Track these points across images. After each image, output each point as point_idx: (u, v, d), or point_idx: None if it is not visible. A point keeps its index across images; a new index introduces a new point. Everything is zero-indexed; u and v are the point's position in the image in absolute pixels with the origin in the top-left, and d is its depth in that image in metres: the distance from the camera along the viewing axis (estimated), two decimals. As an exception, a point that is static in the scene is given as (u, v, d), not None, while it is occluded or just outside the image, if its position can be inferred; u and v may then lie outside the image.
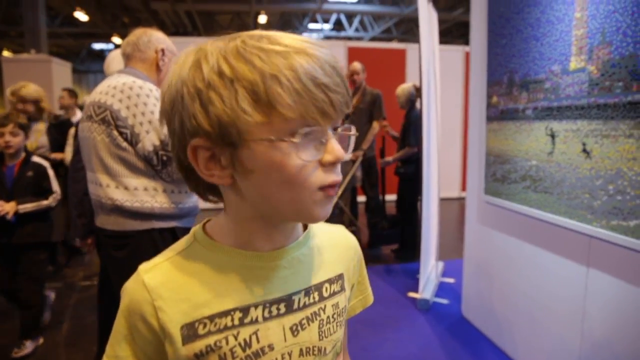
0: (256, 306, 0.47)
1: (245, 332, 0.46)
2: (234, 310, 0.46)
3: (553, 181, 1.84)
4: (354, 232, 4.14)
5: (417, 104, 3.60)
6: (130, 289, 0.47)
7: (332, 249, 0.57)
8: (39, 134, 3.10)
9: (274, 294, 0.48)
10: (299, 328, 0.49)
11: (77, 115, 4.06)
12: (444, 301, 2.91)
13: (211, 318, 0.46)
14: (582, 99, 1.67)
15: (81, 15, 9.97)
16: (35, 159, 2.30)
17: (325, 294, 0.53)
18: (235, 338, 0.46)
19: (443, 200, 4.08)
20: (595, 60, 1.60)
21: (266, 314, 0.47)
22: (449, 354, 2.30)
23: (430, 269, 3.18)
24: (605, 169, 1.57)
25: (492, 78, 2.27)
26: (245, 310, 0.47)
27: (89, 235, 1.83)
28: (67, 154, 3.16)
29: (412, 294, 3.01)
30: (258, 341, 0.47)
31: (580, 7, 1.66)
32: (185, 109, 0.42)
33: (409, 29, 11.68)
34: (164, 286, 0.46)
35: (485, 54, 2.30)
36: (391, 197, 4.25)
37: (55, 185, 2.31)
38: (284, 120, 0.40)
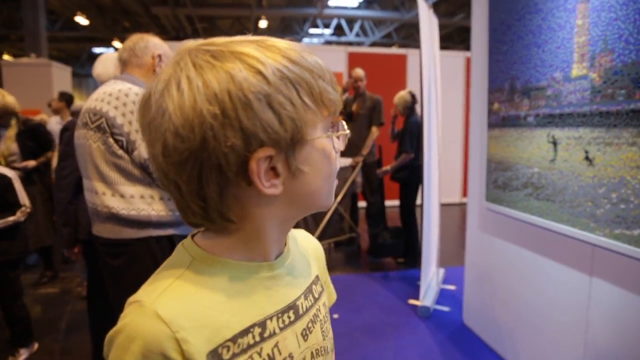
0: (271, 318, 0.47)
1: (267, 347, 0.46)
2: (253, 326, 0.45)
3: (555, 189, 1.83)
4: (353, 239, 4.10)
5: (417, 110, 3.59)
6: (141, 328, 0.39)
7: (306, 250, 0.59)
8: (9, 141, 2.96)
9: (282, 302, 0.48)
10: (308, 332, 0.50)
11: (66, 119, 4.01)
12: (445, 308, 2.88)
13: (233, 340, 0.43)
14: (585, 106, 1.65)
15: (82, 20, 9.99)
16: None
17: (316, 295, 0.55)
18: (260, 355, 0.45)
19: (444, 206, 4.07)
20: (597, 67, 1.59)
21: (281, 324, 0.47)
22: (450, 362, 2.27)
23: (431, 275, 3.16)
24: (608, 177, 1.55)
25: (493, 85, 2.26)
26: (262, 324, 0.46)
27: (75, 244, 1.80)
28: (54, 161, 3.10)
29: (412, 301, 2.98)
30: (280, 353, 0.46)
31: (581, 15, 1.65)
32: (253, 119, 0.39)
33: (409, 34, 11.71)
34: (183, 315, 0.41)
35: (487, 60, 2.30)
36: (390, 203, 4.24)
37: (23, 198, 2.13)
38: (328, 114, 0.45)
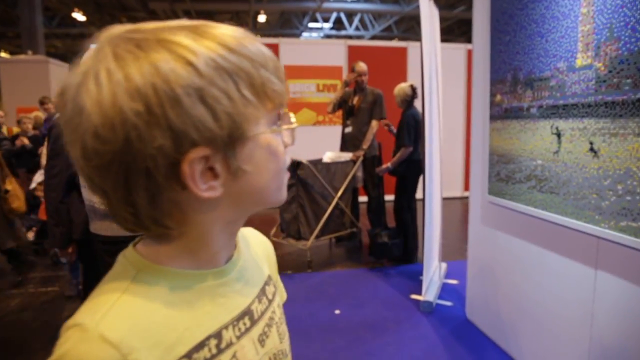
0: (227, 327, 0.44)
1: (225, 359, 0.43)
2: (208, 338, 0.42)
3: (559, 181, 1.80)
4: (355, 234, 4.07)
5: (416, 104, 3.55)
6: (85, 356, 0.34)
7: (256, 249, 0.56)
8: None
9: (237, 309, 0.45)
10: (264, 337, 0.48)
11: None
12: (448, 303, 2.87)
13: (189, 356, 0.40)
14: (589, 96, 1.62)
15: (79, 16, 9.93)
16: None
17: (270, 297, 0.52)
18: None
19: (446, 200, 4.04)
20: (602, 56, 1.55)
21: (237, 333, 0.44)
22: (452, 357, 2.26)
23: (434, 270, 3.14)
24: (614, 168, 1.52)
25: (495, 76, 2.23)
26: (218, 335, 0.43)
27: (68, 244, 1.78)
28: (43, 159, 3.07)
29: (415, 296, 2.97)
30: None
31: (586, 3, 1.61)
32: (183, 116, 0.34)
33: (409, 27, 11.62)
34: (132, 334, 0.36)
35: (488, 51, 2.26)
36: (390, 197, 4.21)
37: None
38: (273, 107, 0.41)
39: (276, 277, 0.59)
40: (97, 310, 0.37)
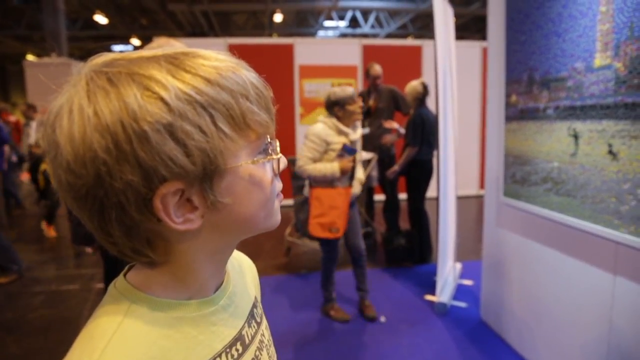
0: (220, 355, 0.44)
1: None
2: None
3: (576, 184, 1.76)
4: (369, 233, 4.06)
5: (430, 103, 3.51)
6: None
7: (241, 271, 0.56)
8: None
9: (229, 335, 0.45)
10: None
11: None
12: (462, 304, 2.83)
13: None
14: (608, 97, 1.58)
15: (101, 19, 10.17)
16: None
17: (258, 319, 0.52)
18: None
19: (461, 199, 3.99)
20: (622, 56, 1.51)
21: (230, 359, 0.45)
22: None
23: (448, 271, 3.11)
24: (634, 171, 1.48)
25: (511, 76, 2.19)
26: None
27: (91, 242, 1.84)
28: None
29: (429, 297, 2.94)
30: None
31: (605, 1, 1.57)
32: (151, 153, 0.34)
33: (425, 25, 11.48)
34: None
35: (504, 51, 2.22)
36: (404, 196, 4.17)
37: None
38: (256, 137, 0.40)
39: (259, 298, 0.60)
40: (93, 350, 0.36)
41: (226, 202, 0.39)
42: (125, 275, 0.43)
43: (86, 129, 0.34)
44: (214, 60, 0.38)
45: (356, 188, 2.57)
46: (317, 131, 2.43)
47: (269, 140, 0.43)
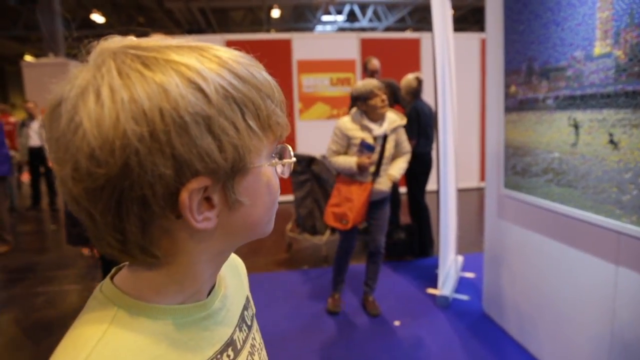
0: None
1: None
2: None
3: (577, 174, 1.74)
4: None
5: (427, 95, 3.49)
6: None
7: (236, 270, 0.55)
8: None
9: (220, 341, 0.44)
10: None
11: None
12: (465, 297, 2.83)
13: None
14: (609, 86, 1.56)
15: (98, 18, 10.12)
16: None
17: (249, 322, 0.51)
18: None
19: (462, 191, 3.98)
20: (622, 44, 1.49)
21: None
22: (470, 353, 2.23)
23: (450, 263, 3.10)
24: (635, 161, 1.47)
25: (509, 66, 2.17)
26: None
27: (85, 243, 1.83)
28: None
29: (431, 290, 2.94)
30: None
31: (604, -12, 1.54)
32: (189, 145, 0.32)
33: (423, 18, 11.40)
34: None
35: (502, 41, 2.20)
36: (403, 190, 4.16)
37: None
38: (274, 139, 0.40)
39: (249, 297, 0.59)
40: (75, 358, 0.34)
41: (244, 202, 0.39)
42: (112, 278, 0.41)
43: (119, 114, 0.31)
44: (239, 57, 0.38)
45: (382, 184, 2.50)
46: (341, 125, 2.47)
47: (283, 143, 0.43)
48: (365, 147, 2.39)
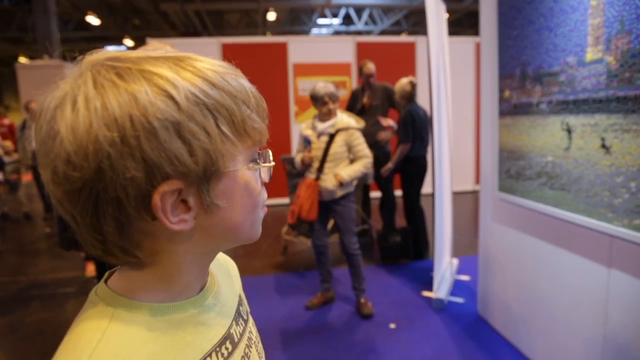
0: (210, 355, 0.43)
1: None
2: None
3: (570, 178, 1.76)
4: (365, 231, 4.07)
5: (422, 99, 3.52)
6: None
7: (227, 270, 0.57)
8: None
9: (218, 335, 0.45)
10: (247, 358, 0.49)
11: None
12: (460, 300, 2.85)
13: None
14: (600, 91, 1.58)
15: (93, 20, 10.09)
16: None
17: (245, 317, 0.53)
18: None
19: (457, 195, 4.00)
20: (613, 50, 1.51)
21: (221, 359, 0.44)
22: (465, 355, 2.25)
23: (445, 266, 3.12)
24: (627, 165, 1.49)
25: (503, 71, 2.19)
26: None
27: (76, 246, 1.82)
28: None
29: (426, 293, 2.95)
30: None
31: (596, -5, 1.57)
32: (157, 149, 0.34)
33: (419, 21, 11.47)
34: None
35: (496, 46, 2.22)
36: (399, 193, 4.18)
37: None
38: (252, 144, 0.41)
39: (242, 295, 0.60)
40: (79, 357, 0.35)
41: (220, 205, 0.39)
42: (106, 281, 0.42)
43: (92, 121, 0.33)
44: (216, 65, 0.39)
45: (327, 182, 2.55)
46: (301, 126, 2.72)
47: (262, 148, 0.44)
48: (305, 141, 2.61)
